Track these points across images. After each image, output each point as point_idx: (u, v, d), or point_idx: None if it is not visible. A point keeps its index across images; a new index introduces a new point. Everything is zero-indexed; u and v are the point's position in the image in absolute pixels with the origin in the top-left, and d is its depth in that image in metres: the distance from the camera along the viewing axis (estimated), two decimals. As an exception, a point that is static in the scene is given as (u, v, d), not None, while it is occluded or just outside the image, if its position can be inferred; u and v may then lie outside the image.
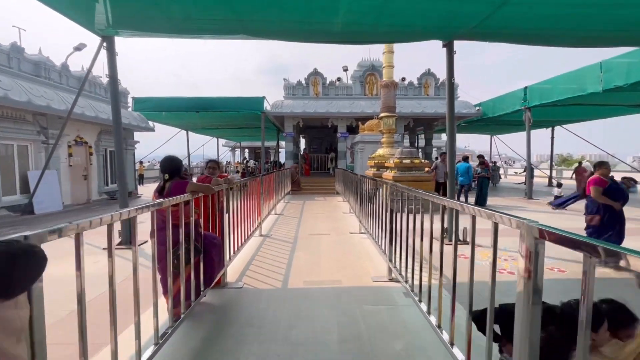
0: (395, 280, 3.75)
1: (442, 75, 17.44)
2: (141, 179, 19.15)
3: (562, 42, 5.67)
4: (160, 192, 2.81)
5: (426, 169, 9.75)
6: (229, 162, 33.72)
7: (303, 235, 6.22)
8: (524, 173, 18.55)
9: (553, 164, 19.70)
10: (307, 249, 5.27)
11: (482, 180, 10.36)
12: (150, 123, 14.04)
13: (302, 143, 25.86)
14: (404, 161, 9.27)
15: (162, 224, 2.45)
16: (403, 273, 3.20)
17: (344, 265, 4.44)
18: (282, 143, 19.23)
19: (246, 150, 35.68)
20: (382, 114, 11.86)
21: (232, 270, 4.06)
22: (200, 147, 26.38)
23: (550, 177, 17.81)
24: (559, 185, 12.18)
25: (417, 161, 9.29)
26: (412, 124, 16.21)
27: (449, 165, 5.68)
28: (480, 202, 9.84)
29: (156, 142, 17.20)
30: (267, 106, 14.77)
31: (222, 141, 34.99)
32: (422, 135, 21.83)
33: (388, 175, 9.60)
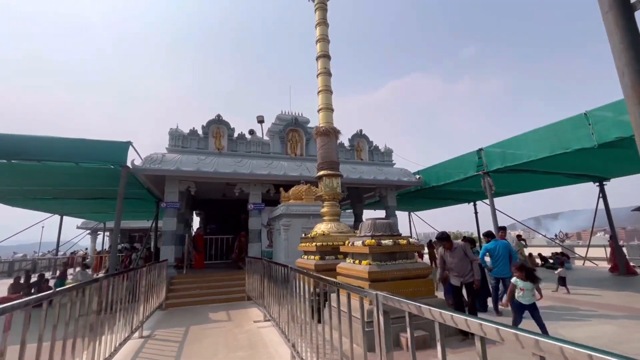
0: None
1: (374, 137, 15.08)
2: None
3: None
4: None
5: (419, 255, 5.81)
6: (86, 254, 24.03)
7: None
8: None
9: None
10: None
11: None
12: None
13: (196, 222, 19.67)
14: (382, 242, 5.13)
15: None
16: None
17: None
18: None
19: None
20: (321, 172, 8.01)
21: None
22: (30, 228, 17.27)
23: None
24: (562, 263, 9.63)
25: (403, 242, 5.27)
26: (346, 194, 12.85)
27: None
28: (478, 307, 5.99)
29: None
30: (137, 161, 9.40)
31: (78, 221, 25.37)
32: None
33: (353, 268, 5.23)
